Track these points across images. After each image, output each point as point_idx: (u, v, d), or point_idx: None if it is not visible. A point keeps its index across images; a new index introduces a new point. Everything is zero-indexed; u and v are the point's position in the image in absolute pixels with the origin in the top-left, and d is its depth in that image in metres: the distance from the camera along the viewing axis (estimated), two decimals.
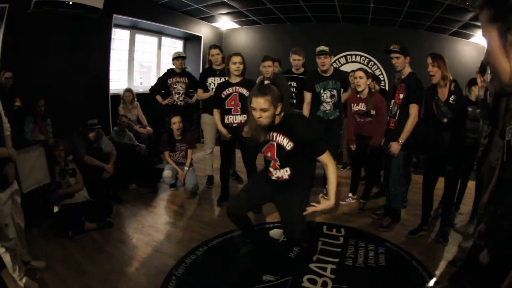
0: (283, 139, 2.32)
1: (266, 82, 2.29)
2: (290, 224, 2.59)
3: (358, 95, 3.68)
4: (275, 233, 3.38)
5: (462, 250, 2.94)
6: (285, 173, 2.44)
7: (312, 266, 2.78)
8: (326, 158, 2.29)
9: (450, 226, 3.35)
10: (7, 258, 2.33)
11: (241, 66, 3.61)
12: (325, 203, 2.24)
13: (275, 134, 2.36)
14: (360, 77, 3.53)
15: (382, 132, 3.47)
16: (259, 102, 2.16)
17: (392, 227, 3.45)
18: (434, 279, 2.60)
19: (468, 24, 5.42)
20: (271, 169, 2.50)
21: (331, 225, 3.52)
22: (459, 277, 2.26)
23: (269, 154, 2.44)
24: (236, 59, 3.62)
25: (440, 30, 6.13)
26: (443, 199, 3.32)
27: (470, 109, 3.27)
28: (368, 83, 3.58)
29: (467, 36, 6.13)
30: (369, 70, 3.79)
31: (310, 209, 2.29)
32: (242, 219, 2.75)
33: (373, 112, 3.58)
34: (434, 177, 3.15)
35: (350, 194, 4.19)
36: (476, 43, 6.20)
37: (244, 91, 3.64)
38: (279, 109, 2.23)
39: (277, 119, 2.31)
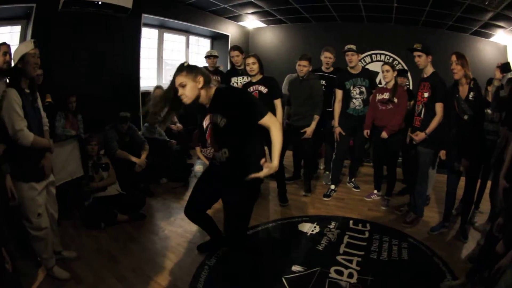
0: (216, 117, 2.15)
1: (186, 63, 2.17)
2: (226, 223, 2.32)
3: (385, 86, 3.82)
4: (304, 226, 3.39)
5: None
6: (223, 155, 2.22)
7: (339, 258, 2.83)
8: (267, 120, 2.10)
9: (470, 224, 3.36)
10: (38, 247, 2.38)
11: (254, 66, 3.65)
12: (269, 167, 2.05)
13: (209, 116, 2.22)
14: (387, 71, 3.67)
15: (397, 122, 3.61)
16: (177, 80, 2.07)
17: (415, 223, 3.48)
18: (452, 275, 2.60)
19: (488, 23, 5.30)
20: (214, 154, 2.35)
21: (357, 220, 3.56)
22: (475, 273, 2.26)
23: (209, 140, 2.31)
24: (249, 60, 3.69)
25: (461, 29, 6.04)
26: (463, 198, 3.31)
27: (488, 111, 3.26)
28: (394, 75, 3.71)
29: (487, 36, 5.97)
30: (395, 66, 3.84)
31: (253, 175, 2.06)
32: (198, 219, 2.67)
33: (395, 99, 3.66)
34: (456, 174, 3.17)
35: (375, 191, 4.22)
36: (496, 43, 6.04)
37: (263, 89, 3.71)
38: (200, 81, 2.08)
39: (206, 98, 2.16)
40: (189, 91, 2.06)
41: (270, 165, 2.05)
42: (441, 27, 6.17)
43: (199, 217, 2.66)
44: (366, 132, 3.94)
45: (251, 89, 3.74)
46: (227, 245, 2.59)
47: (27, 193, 2.24)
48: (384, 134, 3.66)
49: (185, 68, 2.07)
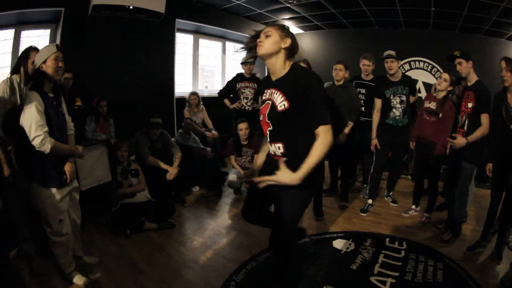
0: (279, 95, 1.81)
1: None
2: (275, 224, 2.06)
3: (434, 94, 3.66)
4: (338, 243, 3.22)
5: None
6: (277, 149, 1.89)
7: (372, 279, 2.66)
8: (324, 131, 1.70)
9: (506, 243, 3.12)
10: (58, 252, 2.35)
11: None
12: (284, 176, 1.67)
13: (273, 90, 1.86)
14: (445, 80, 3.48)
15: (444, 140, 3.36)
16: (266, 28, 1.81)
17: (452, 242, 3.31)
18: None
19: None
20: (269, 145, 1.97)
21: (393, 238, 3.38)
22: None
23: (261, 118, 1.95)
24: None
25: (497, 34, 5.76)
26: (501, 215, 3.08)
27: None
28: (449, 89, 3.55)
29: None
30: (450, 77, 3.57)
31: (263, 178, 1.74)
32: (256, 220, 2.32)
33: (440, 114, 3.47)
34: (501, 189, 2.96)
35: (413, 206, 4.01)
36: None
37: None
38: (286, 43, 1.80)
39: (278, 68, 1.84)
40: (269, 43, 1.78)
41: (291, 176, 1.67)
42: (478, 32, 5.95)
43: (257, 217, 2.30)
44: (412, 144, 3.82)
45: None
46: (272, 250, 2.32)
47: (48, 199, 2.21)
48: (436, 153, 3.48)
49: (280, 25, 1.84)
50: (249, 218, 2.25)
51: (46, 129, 2.09)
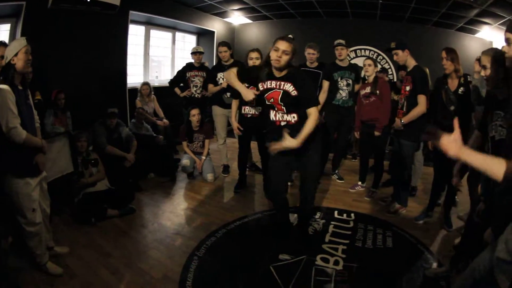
0: (290, 86, 2.53)
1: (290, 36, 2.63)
2: (306, 176, 2.87)
3: (366, 81, 3.99)
4: (290, 217, 3.40)
5: None
6: (292, 118, 2.62)
7: (324, 246, 2.94)
8: (313, 111, 2.51)
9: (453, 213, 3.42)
10: (32, 243, 2.41)
11: (258, 62, 3.69)
12: (290, 141, 2.40)
13: (282, 83, 2.56)
14: (369, 65, 3.85)
15: (385, 116, 3.71)
16: (285, 45, 2.43)
17: (399, 213, 3.59)
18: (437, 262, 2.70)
19: (473, 20, 5.46)
20: (277, 115, 2.67)
21: (341, 210, 3.68)
22: (459, 260, 2.35)
23: (272, 100, 2.61)
24: (253, 54, 3.75)
25: (447, 25, 6.17)
26: (448, 187, 3.34)
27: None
28: (376, 70, 3.89)
29: (473, 32, 6.13)
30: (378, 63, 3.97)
31: (274, 147, 2.46)
32: (283, 199, 2.93)
33: (377, 92, 3.78)
34: (441, 165, 3.20)
35: (359, 183, 4.34)
36: (481, 39, 6.20)
37: None
38: (292, 58, 2.50)
39: (285, 71, 2.55)
40: (285, 61, 2.46)
41: (292, 141, 2.40)
42: (426, 23, 6.31)
43: (284, 199, 2.94)
44: (357, 133, 4.16)
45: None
46: (302, 209, 3.05)
47: (22, 189, 2.27)
48: (377, 133, 3.78)
49: (293, 43, 2.49)
50: (277, 197, 2.91)
51: (19, 120, 2.16)
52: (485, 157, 1.25)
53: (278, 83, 2.58)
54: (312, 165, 2.80)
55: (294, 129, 2.54)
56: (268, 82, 2.61)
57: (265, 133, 3.62)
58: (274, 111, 2.67)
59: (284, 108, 2.61)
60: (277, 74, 2.58)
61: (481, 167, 1.22)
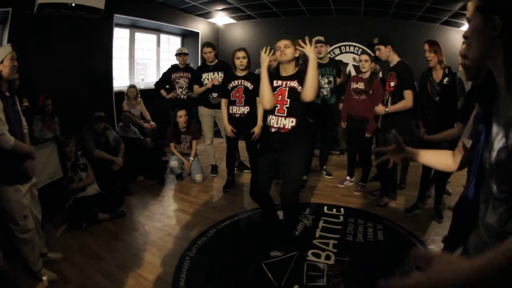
0: (296, 83, 2.65)
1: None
2: (287, 183, 2.83)
3: (360, 75, 3.90)
4: (280, 214, 3.43)
5: None
6: (289, 123, 2.66)
7: (315, 242, 3.00)
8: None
9: (443, 204, 3.49)
10: (25, 250, 2.41)
11: (245, 61, 3.78)
12: (309, 49, 2.51)
13: (288, 81, 2.68)
14: (366, 60, 3.76)
15: (375, 118, 3.68)
16: (283, 41, 2.60)
17: (388, 206, 3.65)
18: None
19: (458, 13, 5.54)
20: (273, 120, 2.72)
21: (331, 206, 3.74)
22: (448, 250, 2.40)
23: (279, 98, 2.69)
24: (239, 54, 3.80)
25: (431, 19, 6.26)
26: (437, 179, 3.42)
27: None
28: (372, 66, 3.81)
29: (457, 25, 6.22)
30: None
31: (300, 48, 2.57)
32: (265, 197, 2.97)
33: (370, 92, 3.74)
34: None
35: (348, 177, 4.39)
36: None
37: (249, 84, 3.83)
38: (297, 53, 2.63)
39: (293, 70, 2.71)
40: (291, 54, 2.62)
41: (309, 49, 2.52)
42: (411, 18, 6.38)
43: (264, 196, 2.97)
44: (343, 124, 4.16)
45: (235, 83, 3.84)
46: (285, 208, 3.03)
47: (12, 196, 2.28)
48: (368, 135, 3.78)
49: (290, 38, 2.65)
50: (257, 196, 2.95)
51: (7, 127, 2.16)
52: (435, 152, 1.35)
53: (285, 82, 2.69)
54: (294, 170, 2.77)
55: (284, 137, 2.67)
56: (275, 81, 2.73)
57: (252, 135, 3.73)
58: (272, 115, 2.73)
59: (286, 109, 2.67)
60: (284, 73, 2.72)
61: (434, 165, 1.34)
